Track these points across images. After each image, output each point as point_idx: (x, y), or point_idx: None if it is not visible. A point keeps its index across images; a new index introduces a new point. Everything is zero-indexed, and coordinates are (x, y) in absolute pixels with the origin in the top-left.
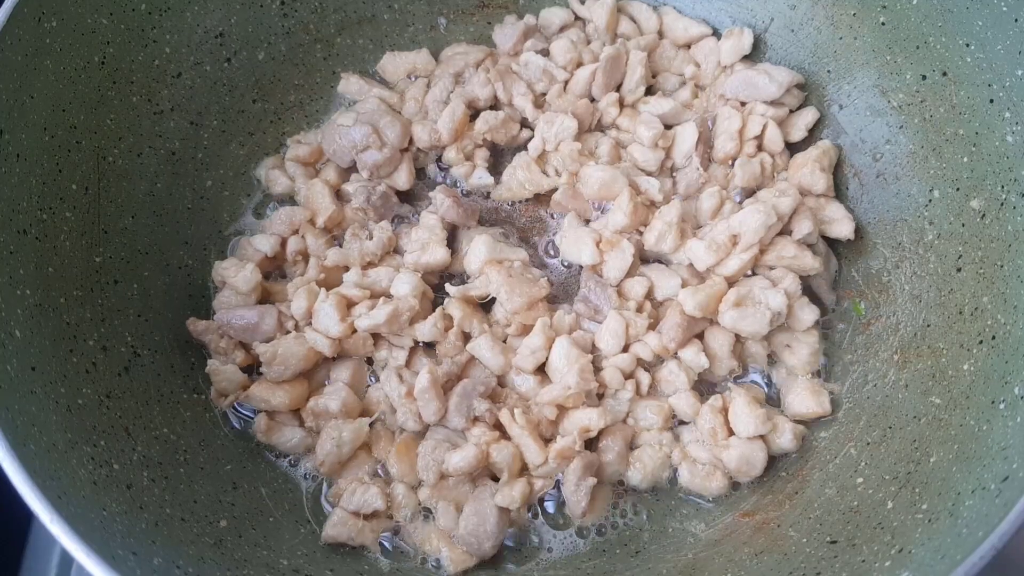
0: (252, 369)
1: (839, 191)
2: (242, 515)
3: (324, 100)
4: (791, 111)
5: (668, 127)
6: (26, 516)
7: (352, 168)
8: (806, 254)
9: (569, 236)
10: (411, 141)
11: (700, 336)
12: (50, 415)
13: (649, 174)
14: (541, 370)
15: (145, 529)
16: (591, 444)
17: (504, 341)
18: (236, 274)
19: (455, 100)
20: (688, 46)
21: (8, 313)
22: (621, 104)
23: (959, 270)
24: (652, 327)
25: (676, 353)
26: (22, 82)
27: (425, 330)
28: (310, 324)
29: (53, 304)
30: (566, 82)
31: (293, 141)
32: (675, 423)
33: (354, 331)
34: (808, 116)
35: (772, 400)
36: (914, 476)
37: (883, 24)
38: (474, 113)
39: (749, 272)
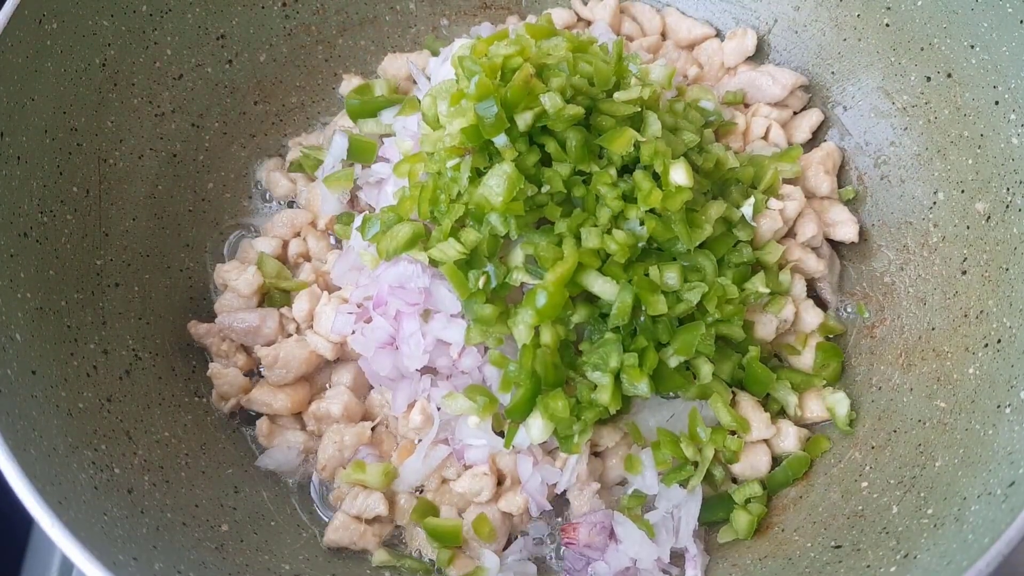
0: (253, 372)
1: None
2: (243, 519)
3: (326, 102)
4: (795, 113)
5: None
6: (27, 520)
7: None
8: (810, 257)
9: None
10: None
11: None
12: (51, 419)
13: None
14: None
15: (146, 534)
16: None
17: None
18: (238, 277)
19: None
20: (691, 47)
21: (8, 316)
22: None
23: (964, 273)
24: None
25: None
26: (23, 84)
27: None
28: (311, 327)
29: (54, 307)
30: None
31: (294, 143)
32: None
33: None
34: (812, 118)
35: (776, 403)
36: (919, 480)
37: (887, 25)
38: None
39: None
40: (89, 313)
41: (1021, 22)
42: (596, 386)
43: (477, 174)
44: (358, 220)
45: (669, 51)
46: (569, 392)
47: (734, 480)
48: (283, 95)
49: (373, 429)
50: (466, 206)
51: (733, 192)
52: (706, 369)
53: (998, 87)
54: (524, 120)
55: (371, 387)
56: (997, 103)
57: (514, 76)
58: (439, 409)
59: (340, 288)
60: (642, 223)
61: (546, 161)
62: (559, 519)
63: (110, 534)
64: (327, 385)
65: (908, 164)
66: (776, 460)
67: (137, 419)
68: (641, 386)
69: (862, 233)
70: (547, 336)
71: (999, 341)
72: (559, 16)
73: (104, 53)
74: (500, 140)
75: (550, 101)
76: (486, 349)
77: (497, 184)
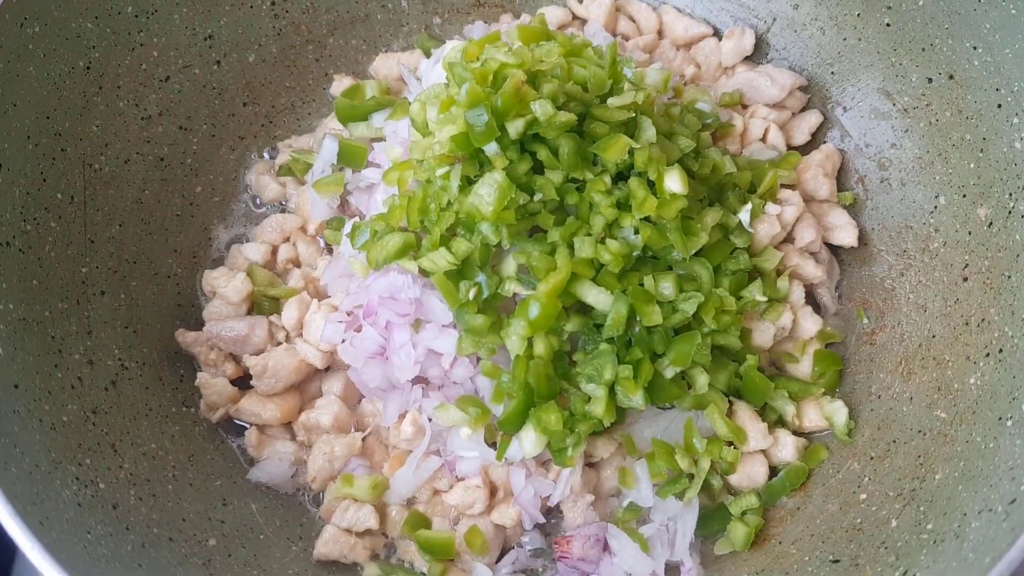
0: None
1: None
2: (232, 533)
3: (316, 103)
4: (794, 114)
5: None
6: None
7: None
8: (809, 262)
9: None
10: None
11: None
12: (33, 434)
13: None
14: None
15: (131, 552)
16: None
17: None
18: (226, 284)
19: None
20: (688, 46)
21: None
22: None
23: (965, 279)
24: None
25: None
26: (4, 89)
27: None
28: (301, 335)
29: (37, 318)
30: None
31: (284, 146)
32: None
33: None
34: (811, 119)
35: (774, 412)
36: (919, 493)
37: (888, 25)
38: None
39: None
40: (74, 323)
41: None
42: (590, 398)
43: (467, 182)
44: (348, 226)
45: (666, 50)
46: (563, 404)
47: (731, 491)
48: (272, 96)
49: (364, 439)
50: (456, 215)
51: (730, 197)
52: (702, 379)
53: (1001, 90)
54: (515, 128)
55: (362, 396)
56: (1000, 106)
57: (505, 83)
58: (430, 420)
59: (330, 295)
60: (637, 231)
61: (539, 168)
62: (553, 529)
63: (93, 553)
64: (320, 393)
65: (909, 167)
66: (774, 470)
67: (123, 431)
68: (636, 398)
69: (862, 237)
70: (540, 347)
71: (1001, 351)
72: (553, 14)
73: (88, 56)
74: (490, 148)
75: (541, 109)
76: (479, 359)
77: (488, 193)
